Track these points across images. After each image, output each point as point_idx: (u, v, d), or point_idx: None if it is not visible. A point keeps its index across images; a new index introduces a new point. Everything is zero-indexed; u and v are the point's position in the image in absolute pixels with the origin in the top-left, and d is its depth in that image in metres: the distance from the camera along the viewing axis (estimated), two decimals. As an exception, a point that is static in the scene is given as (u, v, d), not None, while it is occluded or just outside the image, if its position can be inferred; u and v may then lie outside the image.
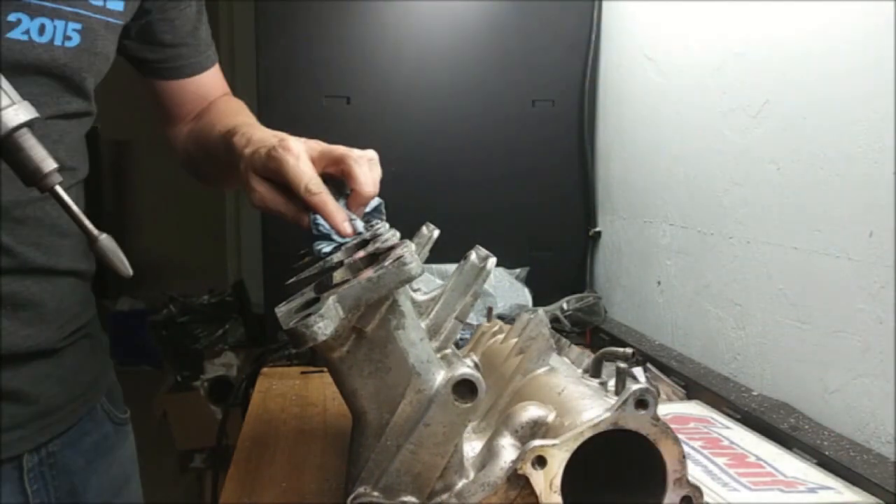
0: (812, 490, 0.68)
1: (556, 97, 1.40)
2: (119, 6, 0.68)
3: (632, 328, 1.30)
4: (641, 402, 0.54)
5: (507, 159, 1.39)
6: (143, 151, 4.47)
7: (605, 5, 1.38)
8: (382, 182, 0.68)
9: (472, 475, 0.58)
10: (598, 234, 1.43)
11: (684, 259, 1.15)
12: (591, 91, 1.40)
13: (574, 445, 0.53)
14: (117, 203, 4.81)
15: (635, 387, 0.54)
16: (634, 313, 1.31)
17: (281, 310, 0.55)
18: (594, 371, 0.73)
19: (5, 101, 0.45)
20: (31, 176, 0.46)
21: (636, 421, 0.54)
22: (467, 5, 1.34)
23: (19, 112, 0.46)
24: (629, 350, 0.74)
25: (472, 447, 0.61)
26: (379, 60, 1.31)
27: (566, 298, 1.33)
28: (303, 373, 1.11)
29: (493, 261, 0.69)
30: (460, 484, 0.58)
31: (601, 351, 0.75)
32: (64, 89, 0.64)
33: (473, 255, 0.70)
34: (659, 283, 1.22)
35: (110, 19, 0.67)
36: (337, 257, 0.63)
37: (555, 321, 1.29)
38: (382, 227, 0.66)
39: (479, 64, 1.35)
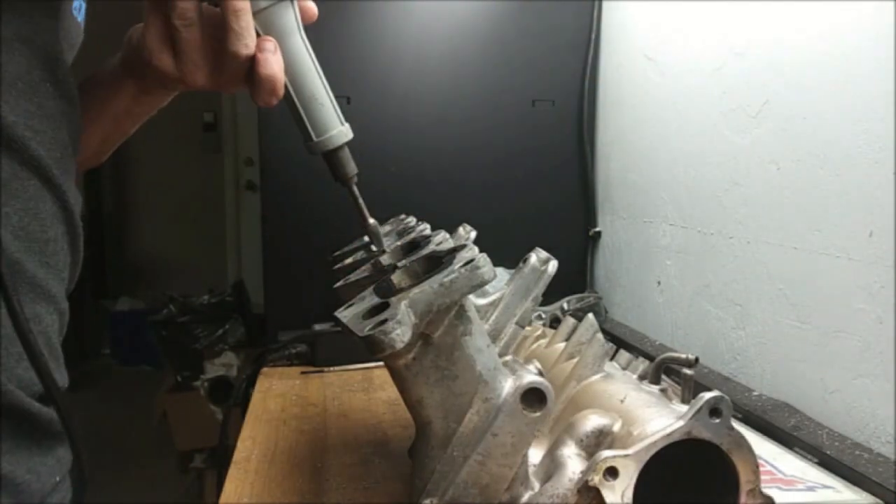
0: (811, 488, 0.68)
1: (556, 97, 1.39)
2: None
3: (632, 328, 1.30)
4: (715, 411, 0.51)
5: (507, 160, 1.39)
6: (144, 151, 4.48)
7: (605, 5, 1.38)
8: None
9: (536, 486, 0.56)
10: (598, 234, 1.43)
11: (684, 259, 1.15)
12: (591, 91, 1.40)
13: (647, 456, 0.51)
14: (117, 203, 4.82)
15: (708, 395, 0.51)
16: (634, 313, 1.31)
17: (345, 315, 0.53)
18: (653, 377, 0.70)
19: (341, 118, 0.59)
20: (343, 176, 0.61)
21: (710, 430, 0.51)
22: (467, 5, 1.34)
23: (348, 131, 0.60)
24: (693, 356, 0.70)
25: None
26: (379, 60, 1.31)
27: (566, 298, 1.33)
28: (303, 373, 1.10)
29: (554, 263, 0.65)
30: (526, 496, 0.56)
31: (661, 357, 0.72)
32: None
33: (534, 258, 0.66)
34: (659, 283, 1.22)
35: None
36: (386, 259, 0.61)
37: (555, 321, 1.29)
38: (426, 227, 0.64)
39: (479, 64, 1.35)
